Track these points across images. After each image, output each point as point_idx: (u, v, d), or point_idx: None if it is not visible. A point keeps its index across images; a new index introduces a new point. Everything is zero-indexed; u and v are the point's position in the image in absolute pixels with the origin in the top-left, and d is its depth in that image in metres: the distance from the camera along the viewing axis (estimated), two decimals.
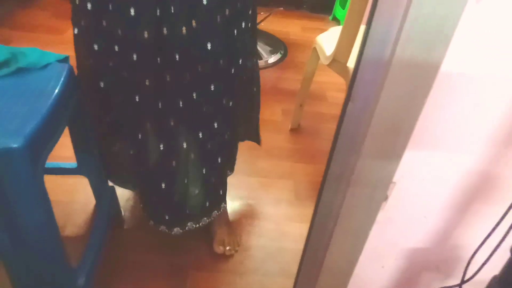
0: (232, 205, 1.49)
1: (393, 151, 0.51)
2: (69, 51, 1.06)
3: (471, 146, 0.56)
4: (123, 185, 1.33)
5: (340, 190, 0.55)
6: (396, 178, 0.56)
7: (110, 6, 0.85)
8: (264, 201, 1.54)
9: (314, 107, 2.05)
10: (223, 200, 1.28)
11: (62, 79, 0.94)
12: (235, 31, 0.97)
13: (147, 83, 0.93)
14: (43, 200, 0.88)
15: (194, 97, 0.97)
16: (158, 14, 0.83)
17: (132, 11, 0.83)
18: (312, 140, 1.88)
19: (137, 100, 0.97)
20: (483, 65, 0.50)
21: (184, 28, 0.87)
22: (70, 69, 0.98)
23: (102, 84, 1.00)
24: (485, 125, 0.54)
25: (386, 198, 0.58)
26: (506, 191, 0.60)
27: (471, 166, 0.57)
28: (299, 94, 1.83)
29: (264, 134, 1.85)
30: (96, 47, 0.94)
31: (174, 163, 1.07)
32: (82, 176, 1.31)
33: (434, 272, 0.71)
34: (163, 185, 1.09)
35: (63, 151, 1.21)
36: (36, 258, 0.94)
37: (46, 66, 0.97)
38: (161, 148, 1.03)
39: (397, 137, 0.49)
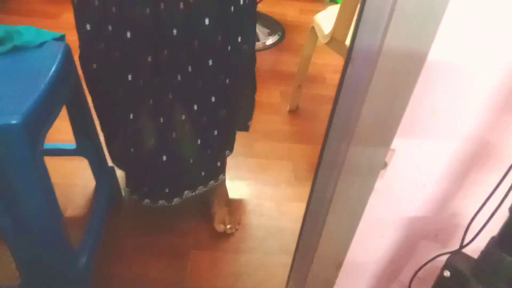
0: (232, 185, 1.50)
1: (390, 118, 0.51)
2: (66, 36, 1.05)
3: (466, 115, 0.56)
4: (122, 167, 1.34)
5: (339, 156, 0.55)
6: (395, 145, 0.56)
7: None
8: (264, 182, 1.54)
9: (312, 89, 2.05)
10: (222, 172, 1.29)
11: (58, 57, 0.93)
12: (232, 8, 0.97)
13: (149, 59, 0.93)
14: (44, 180, 0.88)
15: (190, 71, 0.97)
16: None
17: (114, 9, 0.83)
18: (310, 122, 1.88)
19: (130, 78, 0.97)
20: (469, 52, 0.51)
21: (181, 3, 0.86)
22: (67, 47, 0.97)
23: (95, 66, 1.00)
24: (477, 96, 0.55)
25: (385, 165, 0.58)
26: (501, 159, 0.60)
27: (468, 134, 0.57)
28: (297, 75, 1.82)
29: (262, 116, 1.86)
30: (88, 27, 0.93)
31: (174, 134, 1.08)
32: (81, 158, 1.32)
33: (433, 240, 0.72)
34: (164, 158, 1.10)
35: (62, 134, 1.21)
36: (38, 240, 0.95)
37: (42, 44, 0.97)
38: (161, 121, 1.04)
39: (394, 105, 0.50)
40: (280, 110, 1.92)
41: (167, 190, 1.20)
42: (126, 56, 0.95)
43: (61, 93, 0.94)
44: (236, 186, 1.51)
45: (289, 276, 0.77)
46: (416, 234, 0.72)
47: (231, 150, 1.34)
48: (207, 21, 0.90)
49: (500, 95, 0.54)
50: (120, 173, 1.40)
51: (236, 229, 1.34)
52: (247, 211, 1.42)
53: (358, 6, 1.35)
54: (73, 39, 1.01)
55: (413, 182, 0.63)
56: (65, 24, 2.24)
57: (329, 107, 2.09)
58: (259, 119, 1.84)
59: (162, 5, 0.85)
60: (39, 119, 0.83)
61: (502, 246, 0.49)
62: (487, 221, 0.54)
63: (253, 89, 1.29)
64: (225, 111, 1.14)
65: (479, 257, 0.53)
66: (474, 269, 0.53)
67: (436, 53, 0.49)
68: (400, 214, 0.67)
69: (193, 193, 1.25)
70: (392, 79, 0.50)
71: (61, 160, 1.45)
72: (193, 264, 1.26)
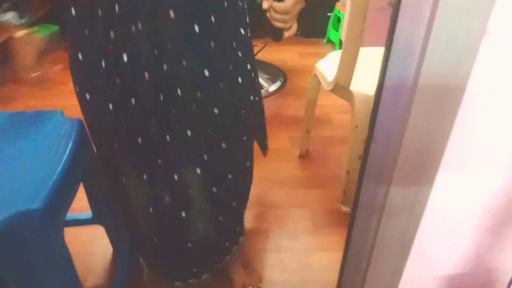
0: (250, 239, 1.47)
1: (425, 175, 0.50)
2: (74, 100, 1.07)
3: (498, 167, 0.55)
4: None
5: (372, 221, 0.54)
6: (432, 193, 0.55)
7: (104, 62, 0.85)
8: (282, 233, 1.52)
9: (320, 131, 2.06)
10: (241, 235, 1.25)
11: (73, 135, 0.95)
12: (231, 66, 0.97)
13: (152, 120, 0.92)
14: (65, 260, 0.87)
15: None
16: (156, 53, 0.81)
17: (125, 57, 0.83)
18: (322, 165, 1.87)
19: (140, 141, 0.95)
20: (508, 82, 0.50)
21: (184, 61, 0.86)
22: (80, 124, 0.99)
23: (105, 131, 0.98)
24: None
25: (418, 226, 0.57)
26: None
27: (500, 188, 0.56)
28: (304, 120, 1.84)
29: (273, 163, 1.86)
30: (88, 96, 0.92)
31: (199, 221, 1.05)
32: (97, 226, 1.31)
33: None
34: (189, 245, 1.08)
35: (77, 202, 1.21)
36: None
37: (57, 122, 0.99)
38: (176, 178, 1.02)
39: (428, 162, 0.49)
40: (290, 156, 1.92)
41: (195, 270, 1.17)
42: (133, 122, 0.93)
43: (78, 171, 0.95)
44: (255, 239, 1.49)
45: None
46: None
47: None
48: (207, 73, 0.89)
49: None
50: None
51: None
52: (267, 266, 1.39)
53: (359, 50, 1.37)
54: None
55: (444, 242, 0.61)
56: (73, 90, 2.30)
57: (339, 149, 2.09)
58: (270, 167, 1.84)
59: (165, 66, 0.85)
60: (59, 201, 0.84)
61: None
62: None
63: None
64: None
65: None
66: None
67: (476, 84, 0.48)
68: (434, 274, 0.65)
69: (221, 264, 1.21)
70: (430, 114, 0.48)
71: (77, 229, 1.44)
72: None
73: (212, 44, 0.86)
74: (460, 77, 0.47)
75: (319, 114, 2.10)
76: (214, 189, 1.01)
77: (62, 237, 0.87)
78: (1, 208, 0.74)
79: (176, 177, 0.95)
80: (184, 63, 0.84)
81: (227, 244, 1.18)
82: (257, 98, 1.09)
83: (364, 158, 0.56)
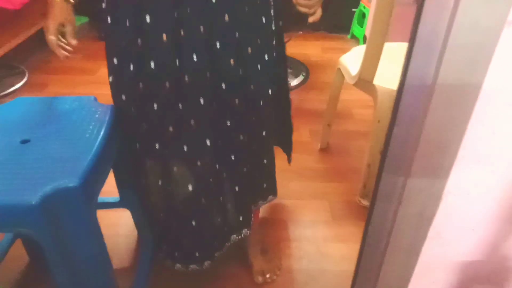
0: (269, 228, 1.51)
1: (441, 169, 0.52)
2: (101, 90, 1.12)
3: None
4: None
5: (390, 210, 0.56)
6: (446, 189, 0.57)
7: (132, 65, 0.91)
8: (301, 223, 1.55)
9: (341, 125, 2.07)
10: (245, 226, 1.26)
11: (107, 119, 1.00)
12: (258, 66, 1.01)
13: (170, 129, 0.98)
14: (97, 235, 0.93)
15: (229, 125, 1.02)
16: (176, 15, 0.87)
17: (152, 64, 0.90)
18: (342, 159, 1.89)
19: (171, 129, 1.00)
20: None
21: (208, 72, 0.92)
22: (113, 110, 1.04)
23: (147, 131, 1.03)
24: None
25: (434, 213, 0.59)
26: None
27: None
28: (326, 113, 1.86)
29: (294, 156, 1.86)
30: (124, 97, 0.99)
31: (203, 200, 1.09)
32: (123, 209, 1.37)
33: (486, 284, 0.71)
34: (193, 223, 1.12)
35: (105, 186, 1.27)
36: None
37: (92, 107, 1.04)
38: (191, 187, 1.06)
39: (444, 156, 0.51)
40: (311, 149, 1.94)
41: (197, 254, 1.20)
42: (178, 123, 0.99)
43: (111, 153, 1.00)
44: (274, 228, 1.52)
45: None
46: (469, 279, 0.71)
47: (274, 194, 1.35)
48: (218, 45, 0.92)
49: None
50: None
51: (277, 275, 1.34)
52: (286, 254, 1.42)
53: (384, 45, 1.38)
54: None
55: (461, 227, 0.64)
56: (102, 79, 2.38)
57: (359, 143, 2.10)
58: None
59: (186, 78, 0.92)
60: (94, 180, 0.89)
61: None
62: None
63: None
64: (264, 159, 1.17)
65: None
66: None
67: (491, 83, 0.50)
68: (451, 259, 0.67)
69: (222, 252, 1.25)
70: (447, 111, 0.50)
71: (103, 212, 1.50)
72: None
73: (227, 17, 0.89)
74: (476, 76, 0.49)
75: (340, 109, 2.11)
76: (217, 166, 1.06)
77: (95, 214, 0.92)
78: (42, 185, 0.79)
79: (185, 147, 0.99)
80: (201, 29, 0.88)
81: (225, 229, 1.21)
82: (274, 93, 1.11)
83: (385, 151, 0.58)
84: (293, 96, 2.37)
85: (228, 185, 1.15)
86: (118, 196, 1.33)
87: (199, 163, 1.03)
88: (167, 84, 0.92)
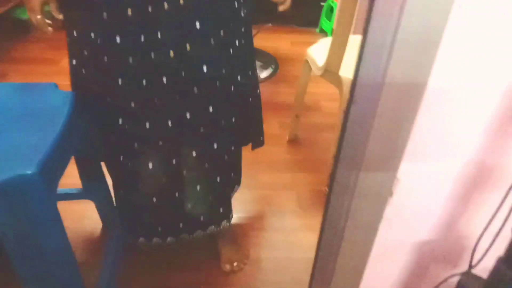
0: (238, 219, 1.51)
1: (395, 152, 0.54)
2: (64, 80, 1.10)
3: (468, 139, 0.59)
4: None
5: (349, 185, 0.58)
6: (400, 172, 0.59)
7: (93, 35, 0.90)
8: (269, 213, 1.56)
9: (309, 117, 2.10)
10: (225, 218, 1.29)
11: (67, 106, 0.97)
12: (231, 50, 1.01)
13: (132, 105, 0.97)
14: (58, 225, 0.90)
15: (188, 118, 1.01)
16: (142, 40, 0.88)
17: (118, 39, 0.88)
18: (310, 150, 1.91)
19: (121, 123, 1.01)
20: (465, 79, 0.55)
21: (171, 52, 0.91)
22: (75, 97, 1.01)
23: (120, 120, 1.02)
24: (477, 121, 0.58)
25: (391, 194, 0.61)
26: (502, 180, 0.64)
27: (469, 158, 0.61)
28: (294, 105, 1.87)
29: (263, 148, 1.89)
30: (120, 81, 0.96)
31: (164, 179, 1.10)
32: (87, 201, 1.34)
33: (442, 263, 0.74)
34: (154, 200, 1.13)
35: (67, 178, 1.24)
36: (55, 284, 0.96)
37: (53, 93, 1.01)
38: (152, 166, 1.06)
39: (397, 141, 0.53)
40: (280, 141, 1.96)
41: (159, 229, 1.21)
42: (116, 102, 0.98)
43: (72, 141, 0.97)
44: (242, 219, 1.53)
45: None
46: (426, 258, 0.73)
47: (239, 184, 1.36)
48: (205, 69, 0.95)
49: (496, 119, 0.58)
50: None
51: (245, 264, 1.34)
52: (255, 243, 1.43)
53: (349, 37, 1.41)
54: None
55: (418, 208, 0.66)
56: (65, 69, 2.30)
57: (327, 135, 2.13)
58: (260, 150, 1.85)
59: (152, 55, 0.90)
60: (53, 168, 0.86)
61: (509, 265, 0.52)
62: (492, 241, 0.57)
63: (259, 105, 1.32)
64: (229, 152, 1.17)
65: (488, 277, 0.55)
66: None
67: (435, 82, 0.53)
68: (409, 239, 0.70)
69: (190, 236, 1.25)
70: (395, 109, 0.53)
71: (66, 204, 1.46)
72: None
73: (213, 41, 0.91)
74: (421, 78, 0.52)
75: (308, 102, 2.13)
76: (194, 154, 1.06)
77: (55, 203, 0.90)
78: None
79: (147, 125, 0.99)
80: (165, 6, 0.88)
81: (201, 218, 1.21)
82: (243, 81, 1.11)
83: (341, 136, 0.60)
84: (262, 89, 2.37)
85: (210, 175, 1.15)
86: (81, 188, 1.30)
87: (160, 142, 1.03)
88: (131, 59, 0.91)
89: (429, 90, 0.53)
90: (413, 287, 0.78)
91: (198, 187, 1.15)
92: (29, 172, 0.78)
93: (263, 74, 2.44)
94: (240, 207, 1.57)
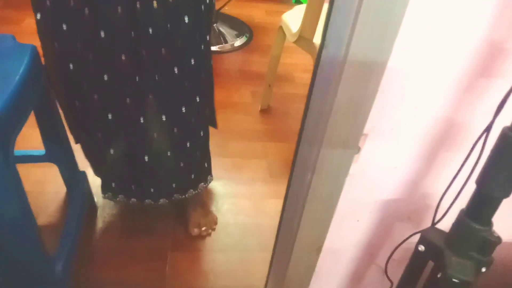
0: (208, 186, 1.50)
1: (361, 105, 0.54)
2: (30, 42, 1.03)
3: (435, 94, 0.59)
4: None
5: (316, 141, 0.57)
6: (367, 129, 0.58)
7: None
8: (239, 181, 1.55)
9: (282, 88, 2.08)
10: (209, 173, 1.30)
11: (26, 58, 0.91)
12: (203, 7, 0.98)
13: (123, 57, 0.92)
14: (17, 187, 0.86)
15: (176, 72, 0.97)
16: None
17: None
18: (282, 120, 1.91)
19: (106, 79, 0.96)
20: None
21: (155, 2, 0.86)
22: (34, 50, 0.95)
23: (71, 67, 0.97)
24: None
25: (358, 150, 0.60)
26: (466, 139, 0.64)
27: (434, 115, 0.61)
28: (267, 75, 1.85)
29: (235, 116, 1.88)
30: (65, 27, 0.92)
31: (155, 135, 1.08)
32: (51, 164, 1.29)
33: (407, 222, 0.75)
34: (146, 158, 1.11)
35: (30, 141, 1.18)
36: (13, 247, 0.92)
37: (9, 46, 0.94)
38: (142, 122, 1.04)
39: (364, 93, 0.53)
40: (252, 110, 1.94)
41: (133, 187, 1.21)
42: (101, 56, 0.94)
43: (30, 96, 0.92)
44: (212, 185, 1.51)
45: (270, 264, 0.79)
46: (390, 217, 0.74)
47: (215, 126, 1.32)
48: (186, 19, 0.91)
49: (463, 74, 0.58)
50: (91, 178, 1.37)
51: (213, 229, 1.34)
52: (223, 210, 1.43)
53: (324, 5, 1.38)
54: (37, 44, 0.99)
55: (385, 165, 0.66)
56: (28, 29, 2.18)
57: (299, 105, 2.13)
58: (232, 119, 1.85)
59: (137, 4, 0.86)
60: (9, 123, 0.81)
61: (471, 216, 0.52)
62: (456, 197, 0.57)
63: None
64: (208, 107, 1.15)
65: (451, 228, 0.56)
66: (447, 240, 0.56)
67: (401, 45, 0.53)
68: (374, 197, 0.70)
69: (183, 196, 1.25)
70: (362, 69, 0.52)
71: (30, 167, 1.40)
72: (171, 266, 1.25)
73: None
74: (385, 48, 0.51)
75: (282, 72, 2.11)
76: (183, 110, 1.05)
77: (14, 164, 0.85)
78: None
79: (105, 77, 0.96)
80: (155, 5, 0.87)
81: (192, 176, 1.21)
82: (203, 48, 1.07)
83: (306, 105, 0.59)
84: (235, 57, 2.35)
85: (195, 131, 1.14)
86: (44, 150, 1.24)
87: (151, 96, 1.00)
88: (87, 10, 0.87)
89: (394, 54, 0.53)
90: (376, 246, 0.80)
91: (188, 144, 1.14)
92: None
93: (237, 42, 2.39)
94: None
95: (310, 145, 0.58)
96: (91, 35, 0.91)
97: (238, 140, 1.76)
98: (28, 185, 1.40)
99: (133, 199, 1.24)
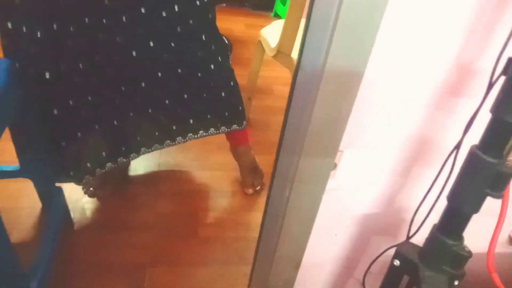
0: (187, 199, 1.49)
1: (337, 124, 0.55)
2: None
3: (408, 112, 0.61)
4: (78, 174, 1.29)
5: (293, 161, 0.58)
6: (342, 146, 0.60)
7: None
8: (219, 194, 1.55)
9: (261, 101, 2.10)
10: (244, 117, 1.43)
11: (2, 73, 0.90)
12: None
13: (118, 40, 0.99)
14: None
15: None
16: None
17: None
18: (262, 132, 1.92)
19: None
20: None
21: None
22: (8, 65, 0.94)
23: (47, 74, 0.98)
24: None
25: (335, 166, 0.62)
26: (438, 156, 0.67)
27: (409, 132, 0.63)
28: (247, 87, 1.86)
29: None
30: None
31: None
32: (25, 180, 1.26)
33: (383, 235, 0.77)
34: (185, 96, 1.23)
35: (3, 156, 1.16)
36: None
37: None
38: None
39: (339, 113, 0.54)
40: None
41: (123, 149, 1.26)
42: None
43: (6, 111, 0.90)
44: (191, 199, 1.51)
45: (250, 278, 0.79)
46: (367, 230, 0.76)
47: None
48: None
49: (433, 95, 0.60)
50: (67, 194, 1.35)
51: (263, 184, 1.56)
52: (203, 223, 1.42)
53: (302, 20, 1.41)
54: None
55: (361, 181, 0.68)
56: None
57: (279, 118, 2.14)
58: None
59: None
60: None
61: (443, 231, 0.54)
62: (429, 212, 0.59)
63: None
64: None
65: (424, 243, 0.58)
66: (421, 255, 0.58)
67: (374, 64, 0.54)
68: (351, 212, 0.72)
69: (217, 131, 1.39)
70: (337, 86, 0.54)
71: (3, 183, 1.37)
72: (149, 281, 1.23)
73: None
74: (360, 66, 0.53)
75: (261, 85, 2.13)
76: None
77: None
78: None
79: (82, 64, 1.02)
80: None
81: (226, 114, 1.38)
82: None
83: (284, 120, 0.61)
84: None
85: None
86: (18, 165, 1.22)
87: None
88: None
89: (368, 72, 0.55)
90: (354, 260, 0.81)
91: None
92: None
93: None
94: (189, 187, 1.55)
95: (289, 159, 0.59)
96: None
97: (218, 153, 1.76)
98: (1, 200, 1.36)
99: (121, 159, 1.29)
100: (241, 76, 2.25)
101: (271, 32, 1.62)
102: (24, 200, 1.38)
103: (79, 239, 1.32)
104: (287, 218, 0.62)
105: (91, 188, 1.39)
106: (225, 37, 2.60)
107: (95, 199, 1.43)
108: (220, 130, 1.39)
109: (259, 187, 1.55)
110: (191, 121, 1.32)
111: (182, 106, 1.26)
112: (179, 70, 1.17)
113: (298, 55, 0.58)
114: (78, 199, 1.43)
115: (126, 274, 1.24)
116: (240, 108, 1.40)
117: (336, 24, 0.50)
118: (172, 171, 1.60)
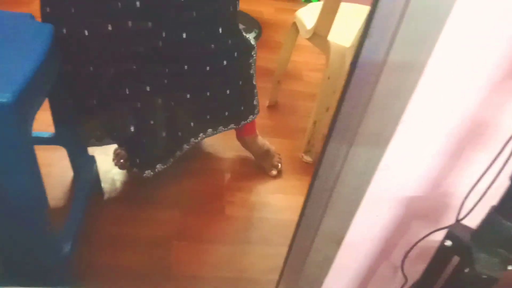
0: (213, 178, 1.50)
1: (398, 99, 0.54)
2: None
3: (465, 94, 0.60)
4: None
5: (345, 140, 0.57)
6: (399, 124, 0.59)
7: None
8: (245, 175, 1.56)
9: (290, 85, 2.08)
10: (247, 115, 1.47)
11: (46, 40, 0.90)
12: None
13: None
14: (34, 167, 0.85)
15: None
16: None
17: None
18: (289, 117, 1.91)
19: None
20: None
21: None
22: (52, 29, 0.94)
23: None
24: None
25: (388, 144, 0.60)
26: (494, 139, 0.65)
27: (465, 114, 0.61)
28: (277, 71, 1.85)
29: None
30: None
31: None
32: (58, 147, 1.28)
33: (424, 219, 0.76)
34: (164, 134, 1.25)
35: (38, 124, 1.17)
36: (22, 227, 0.92)
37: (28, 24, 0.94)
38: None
39: (397, 100, 0.53)
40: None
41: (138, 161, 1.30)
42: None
43: (49, 75, 0.91)
44: (219, 180, 1.51)
45: (287, 256, 0.79)
46: (409, 214, 0.75)
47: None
48: None
49: (495, 75, 0.58)
50: (99, 164, 1.37)
51: (280, 160, 1.60)
52: (229, 202, 1.43)
53: (340, 3, 1.38)
54: None
55: (409, 162, 0.66)
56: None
57: (307, 103, 2.13)
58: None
59: None
60: (29, 100, 0.81)
61: (503, 213, 0.53)
62: (482, 195, 0.58)
63: None
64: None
65: (480, 225, 0.57)
66: (474, 237, 0.57)
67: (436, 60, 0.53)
68: (396, 193, 0.70)
69: (237, 126, 1.45)
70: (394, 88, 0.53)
71: (38, 149, 1.39)
72: (175, 255, 1.25)
73: None
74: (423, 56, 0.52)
75: (291, 69, 2.11)
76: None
77: (31, 142, 0.85)
78: None
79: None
80: None
81: (242, 108, 1.44)
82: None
83: (343, 93, 0.59)
84: None
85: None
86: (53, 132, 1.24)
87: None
88: None
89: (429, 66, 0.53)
90: (392, 243, 0.80)
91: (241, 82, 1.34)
92: (4, 100, 0.73)
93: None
94: (217, 167, 1.55)
95: (342, 138, 0.58)
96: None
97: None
98: None
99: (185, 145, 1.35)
100: (269, 60, 2.24)
101: (308, 14, 1.60)
102: (55, 168, 1.41)
103: (108, 210, 1.34)
104: (335, 194, 0.61)
105: (122, 160, 1.41)
106: (255, 19, 2.58)
107: (124, 171, 1.45)
108: (217, 131, 1.42)
109: (279, 165, 1.57)
110: (191, 124, 1.34)
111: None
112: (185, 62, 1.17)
113: (357, 45, 0.56)
114: (107, 170, 1.45)
115: (152, 247, 1.26)
116: (242, 108, 1.43)
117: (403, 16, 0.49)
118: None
